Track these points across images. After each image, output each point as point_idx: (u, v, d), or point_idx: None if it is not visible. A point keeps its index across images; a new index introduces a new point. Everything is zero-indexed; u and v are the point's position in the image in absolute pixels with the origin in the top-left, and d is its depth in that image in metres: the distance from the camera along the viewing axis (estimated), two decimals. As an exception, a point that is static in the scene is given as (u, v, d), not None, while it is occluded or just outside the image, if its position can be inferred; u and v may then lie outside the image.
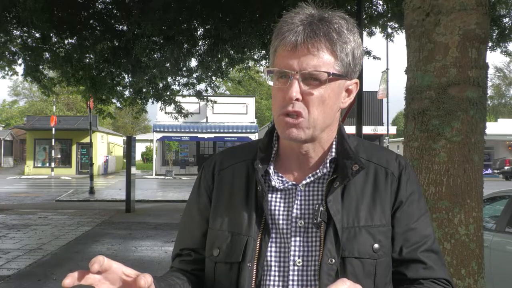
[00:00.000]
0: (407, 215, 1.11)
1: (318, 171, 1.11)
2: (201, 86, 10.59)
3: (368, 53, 9.02)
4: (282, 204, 1.11)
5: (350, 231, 1.06)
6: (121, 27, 8.27)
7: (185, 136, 31.49)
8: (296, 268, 1.06)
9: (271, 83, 1.09)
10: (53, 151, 30.68)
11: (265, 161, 1.13)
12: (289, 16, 1.06)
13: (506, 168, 31.04)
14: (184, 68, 9.58)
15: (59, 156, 32.03)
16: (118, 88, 10.17)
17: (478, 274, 2.38)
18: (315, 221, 1.06)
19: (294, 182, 1.12)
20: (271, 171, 1.13)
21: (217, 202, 1.16)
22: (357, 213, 1.07)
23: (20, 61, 8.92)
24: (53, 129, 29.25)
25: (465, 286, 2.35)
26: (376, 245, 1.06)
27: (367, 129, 28.37)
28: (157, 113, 29.58)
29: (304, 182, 1.11)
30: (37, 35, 8.02)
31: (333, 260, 1.03)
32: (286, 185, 1.11)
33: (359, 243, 1.05)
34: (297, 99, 1.03)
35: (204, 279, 1.16)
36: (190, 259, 1.20)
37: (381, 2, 8.11)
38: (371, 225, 1.07)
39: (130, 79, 9.74)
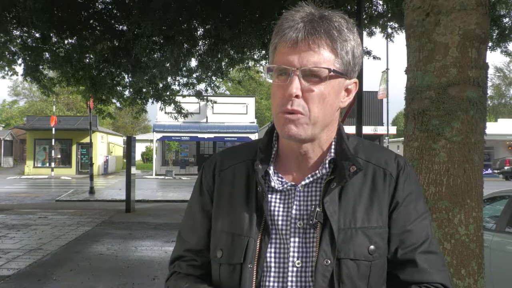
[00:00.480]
0: (403, 216, 1.10)
1: (317, 171, 1.10)
2: (201, 86, 10.60)
3: (368, 53, 9.01)
4: (281, 205, 1.10)
5: (347, 232, 1.05)
6: (121, 27, 8.27)
7: (185, 136, 31.49)
8: (295, 269, 1.06)
9: (270, 80, 1.08)
10: (53, 151, 30.68)
11: (265, 162, 1.13)
12: (290, 13, 1.06)
13: (506, 168, 31.02)
14: (184, 68, 9.58)
15: (59, 156, 32.03)
16: (118, 88, 10.17)
17: (478, 274, 2.38)
18: (310, 222, 1.06)
19: (293, 183, 1.11)
20: (271, 171, 1.12)
21: (218, 203, 1.16)
22: (354, 214, 1.07)
23: (20, 61, 8.92)
24: (53, 129, 29.25)
25: (465, 286, 2.35)
26: (371, 247, 1.05)
27: (367, 129, 28.37)
28: (157, 113, 29.57)
29: (303, 182, 1.10)
30: (37, 35, 8.01)
31: (329, 261, 1.02)
32: (285, 185, 1.11)
33: (355, 244, 1.05)
34: (296, 96, 1.02)
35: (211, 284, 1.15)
36: (198, 264, 1.18)
37: (381, 2, 8.12)
38: (367, 226, 1.06)
39: (130, 79, 9.74)
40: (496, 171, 32.14)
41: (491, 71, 48.29)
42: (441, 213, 2.37)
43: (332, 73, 1.03)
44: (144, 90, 10.42)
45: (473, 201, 2.38)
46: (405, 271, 1.08)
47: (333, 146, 1.13)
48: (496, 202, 5.38)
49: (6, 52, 8.62)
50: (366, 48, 9.07)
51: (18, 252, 7.67)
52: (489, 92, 8.64)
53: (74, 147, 31.71)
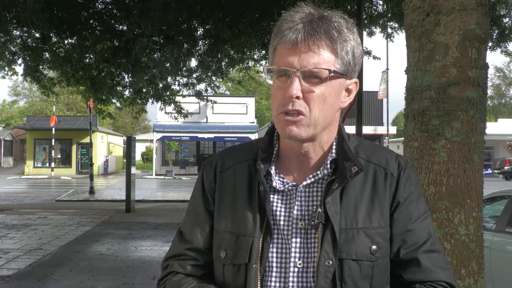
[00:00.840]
0: (405, 216, 1.10)
1: (318, 172, 1.10)
2: (201, 86, 10.60)
3: (368, 53, 9.01)
4: (282, 205, 1.10)
5: (348, 233, 1.05)
6: (121, 27, 8.27)
7: (185, 136, 31.48)
8: (296, 269, 1.06)
9: (270, 82, 1.08)
10: (53, 151, 30.67)
11: (266, 161, 1.13)
12: (289, 14, 1.05)
13: (506, 168, 30.99)
14: (184, 68, 9.58)
15: (59, 156, 32.02)
16: (118, 88, 10.16)
17: (478, 274, 2.38)
18: (312, 222, 1.06)
19: (294, 183, 1.11)
20: (273, 171, 1.12)
21: (220, 204, 1.15)
22: (355, 214, 1.07)
23: (20, 61, 8.91)
24: (53, 129, 29.24)
25: (465, 286, 2.35)
26: (373, 247, 1.05)
27: (367, 129, 28.37)
28: (157, 113, 29.57)
29: (304, 183, 1.10)
30: (37, 35, 8.00)
31: (331, 262, 1.02)
32: (287, 186, 1.11)
33: (357, 245, 1.05)
34: (297, 97, 1.02)
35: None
36: (201, 264, 1.17)
37: (381, 2, 8.11)
38: (369, 227, 1.06)
39: (130, 79, 9.73)
40: (496, 171, 32.11)
41: (491, 71, 48.29)
42: (441, 213, 2.37)
43: (332, 73, 1.03)
44: (144, 90, 10.41)
45: (473, 201, 2.38)
46: (409, 271, 1.08)
47: (334, 147, 1.13)
48: (496, 202, 5.38)
49: (6, 52, 8.61)
50: (366, 48, 9.07)
51: (18, 252, 7.67)
52: (489, 92, 8.64)
53: (74, 147, 31.70)
